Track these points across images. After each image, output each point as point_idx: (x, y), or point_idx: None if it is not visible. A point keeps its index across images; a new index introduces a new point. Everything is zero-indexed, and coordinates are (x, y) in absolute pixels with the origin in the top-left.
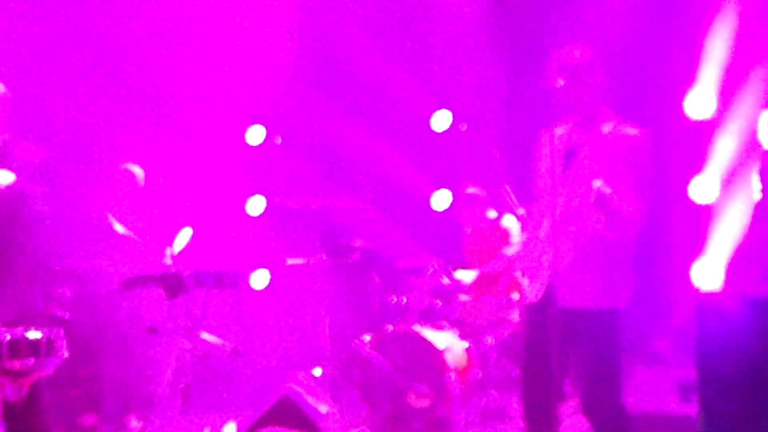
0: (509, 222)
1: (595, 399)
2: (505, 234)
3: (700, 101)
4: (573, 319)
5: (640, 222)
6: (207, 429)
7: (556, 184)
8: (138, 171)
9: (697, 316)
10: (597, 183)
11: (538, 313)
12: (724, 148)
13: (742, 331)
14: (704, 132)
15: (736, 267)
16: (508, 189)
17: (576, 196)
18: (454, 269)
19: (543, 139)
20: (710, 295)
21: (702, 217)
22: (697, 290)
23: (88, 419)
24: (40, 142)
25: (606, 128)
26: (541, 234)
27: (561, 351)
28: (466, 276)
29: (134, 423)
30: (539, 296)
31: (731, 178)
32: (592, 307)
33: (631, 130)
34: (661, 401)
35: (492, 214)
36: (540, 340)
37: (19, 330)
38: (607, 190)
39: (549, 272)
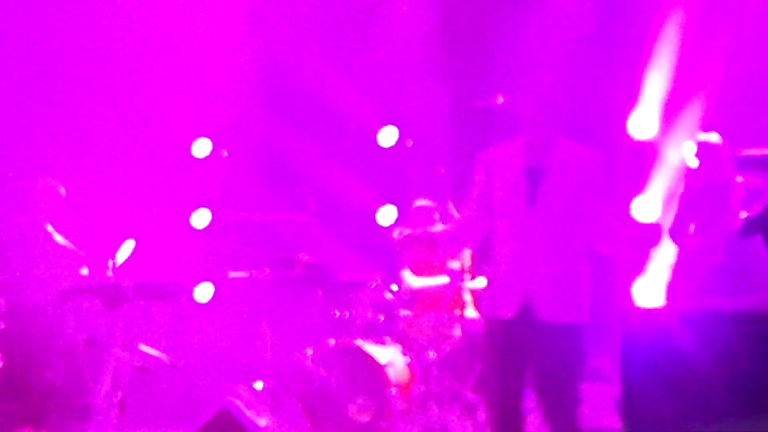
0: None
1: (561, 413)
2: (430, 241)
3: (643, 122)
4: (545, 332)
5: (603, 233)
6: None
7: (519, 206)
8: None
9: (623, 332)
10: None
11: (512, 329)
12: (666, 168)
13: (669, 346)
14: (647, 152)
15: (675, 284)
16: (451, 205)
17: (546, 219)
18: (400, 270)
19: (488, 157)
20: (640, 311)
21: (643, 237)
22: (638, 308)
23: (26, 431)
24: None
25: (562, 151)
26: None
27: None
28: (412, 280)
29: None
30: (512, 313)
31: (673, 198)
32: (567, 321)
33: (586, 150)
34: (600, 418)
35: (439, 227)
36: (516, 357)
37: None
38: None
39: (522, 288)
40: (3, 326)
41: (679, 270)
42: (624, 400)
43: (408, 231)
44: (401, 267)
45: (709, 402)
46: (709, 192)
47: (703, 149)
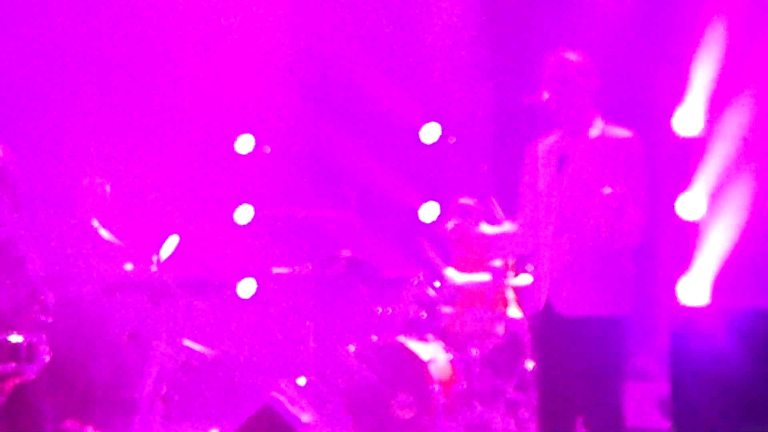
0: (488, 231)
1: (598, 411)
2: (483, 243)
3: (688, 118)
4: (575, 327)
5: (641, 227)
6: None
7: (549, 192)
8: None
9: (672, 331)
10: (607, 190)
11: (545, 323)
12: (712, 165)
13: (718, 346)
14: (692, 149)
15: (721, 282)
16: (495, 202)
17: (571, 204)
18: (444, 267)
19: (530, 151)
20: (692, 310)
21: (688, 234)
22: (682, 306)
23: (71, 424)
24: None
25: (594, 132)
26: (529, 241)
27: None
28: (455, 276)
29: None
30: (541, 305)
31: (718, 195)
32: (595, 314)
33: (622, 133)
34: (643, 417)
35: (484, 227)
36: (555, 353)
37: (0, 334)
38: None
39: (549, 280)
40: (51, 320)
41: (728, 267)
42: (674, 401)
43: (458, 221)
44: (445, 264)
45: (760, 403)
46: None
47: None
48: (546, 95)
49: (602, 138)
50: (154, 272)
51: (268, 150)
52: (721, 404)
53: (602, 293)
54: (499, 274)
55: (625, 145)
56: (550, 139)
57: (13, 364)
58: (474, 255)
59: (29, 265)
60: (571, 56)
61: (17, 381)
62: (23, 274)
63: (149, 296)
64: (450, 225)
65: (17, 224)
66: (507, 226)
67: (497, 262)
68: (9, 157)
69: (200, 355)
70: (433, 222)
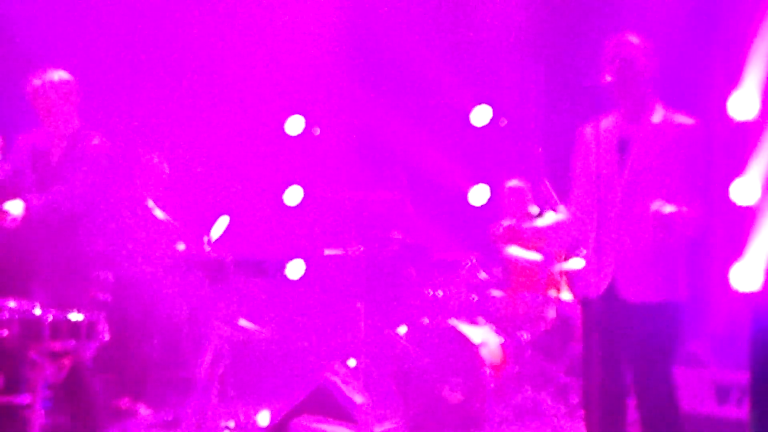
0: (541, 224)
1: (651, 395)
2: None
3: (744, 102)
4: (636, 312)
5: (699, 216)
6: (241, 416)
7: (610, 177)
8: (161, 160)
9: (753, 317)
10: (656, 204)
11: (600, 308)
12: (767, 150)
13: None
14: (747, 133)
15: None
16: (548, 184)
17: (634, 189)
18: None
19: (588, 133)
20: (761, 298)
21: (743, 220)
22: (735, 292)
23: (124, 402)
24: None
25: (656, 118)
26: (584, 224)
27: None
28: (517, 251)
29: (143, 410)
30: (601, 290)
31: None
32: (656, 300)
33: (684, 119)
34: (698, 402)
35: (534, 209)
36: (606, 338)
37: (60, 312)
38: (665, 209)
39: (609, 266)
40: (110, 299)
41: None
42: (753, 389)
43: (508, 222)
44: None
45: None
46: None
47: None
48: (608, 77)
49: (665, 124)
50: (212, 252)
51: (318, 131)
52: None
53: (663, 279)
54: (550, 258)
55: (688, 133)
56: (607, 122)
57: (73, 342)
58: (526, 244)
59: (90, 245)
60: (633, 39)
61: (77, 358)
62: (84, 253)
63: (208, 276)
64: (500, 229)
65: (81, 204)
66: (559, 215)
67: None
68: (108, 146)
69: (256, 335)
70: (484, 205)
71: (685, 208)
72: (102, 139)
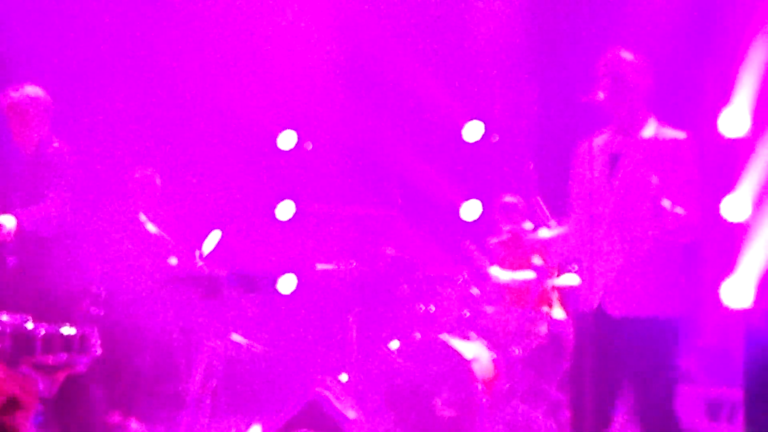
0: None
1: (650, 413)
2: (537, 248)
3: (734, 119)
4: (628, 328)
5: (692, 229)
6: (233, 431)
7: (602, 191)
8: (154, 174)
9: (746, 334)
10: (666, 203)
11: (593, 324)
12: (758, 167)
13: None
14: (738, 150)
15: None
16: (540, 201)
17: (625, 204)
18: (488, 265)
19: (582, 149)
20: (752, 314)
21: (734, 236)
22: (726, 308)
23: (115, 417)
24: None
25: (648, 132)
26: (580, 240)
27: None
28: (500, 273)
29: (134, 425)
30: (594, 305)
31: (764, 197)
32: (649, 315)
33: (675, 133)
34: (689, 419)
35: (528, 225)
36: (598, 354)
37: (53, 326)
38: (664, 203)
39: (602, 280)
40: (102, 313)
41: None
42: (748, 407)
43: (506, 232)
44: (489, 262)
45: None
46: None
47: None
48: (601, 94)
49: (656, 138)
50: (204, 267)
51: (310, 146)
52: None
53: (656, 294)
54: (543, 274)
55: (679, 147)
56: (602, 138)
57: (65, 356)
58: (522, 257)
59: (84, 259)
60: (626, 55)
61: (69, 372)
62: (78, 267)
63: (201, 291)
64: (506, 230)
65: (74, 217)
66: (559, 229)
67: (540, 261)
68: (66, 149)
69: (248, 349)
70: (476, 220)
71: (680, 209)
72: (61, 144)
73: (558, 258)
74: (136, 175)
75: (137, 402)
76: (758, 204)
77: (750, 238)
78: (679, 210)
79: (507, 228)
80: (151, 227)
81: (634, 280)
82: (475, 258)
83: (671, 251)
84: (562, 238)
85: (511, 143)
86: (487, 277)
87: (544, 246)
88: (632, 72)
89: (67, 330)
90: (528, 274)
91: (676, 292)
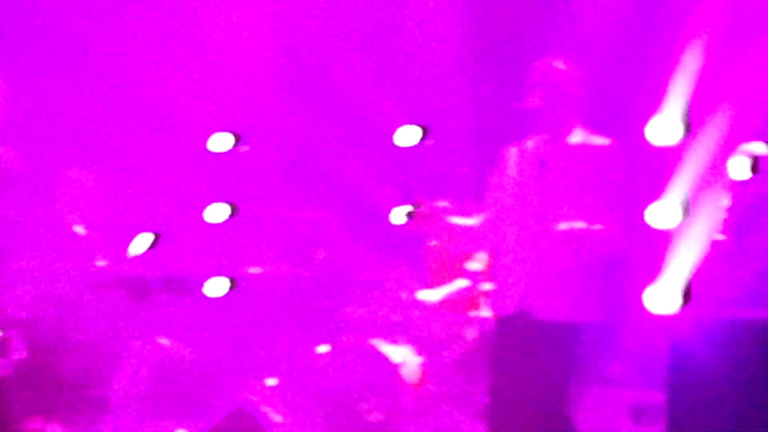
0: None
1: (556, 414)
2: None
3: (663, 128)
4: (545, 330)
5: (614, 236)
6: None
7: (527, 196)
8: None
9: (669, 341)
10: (563, 225)
11: (512, 326)
12: (687, 176)
13: (712, 357)
14: (666, 158)
15: (695, 291)
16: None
17: (550, 210)
18: (419, 290)
19: (511, 153)
20: (669, 319)
21: (659, 243)
22: (650, 314)
23: (35, 422)
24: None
25: (575, 139)
26: (506, 247)
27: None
28: (430, 296)
29: (57, 431)
30: (513, 309)
31: (692, 205)
32: (566, 320)
33: (601, 140)
34: (613, 424)
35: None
36: (515, 357)
37: None
38: (575, 226)
39: (523, 285)
40: (25, 316)
41: (708, 277)
42: (670, 413)
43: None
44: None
45: (747, 412)
46: (753, 202)
47: (754, 160)
48: (534, 101)
49: (583, 145)
50: (133, 270)
51: (244, 148)
52: (714, 414)
53: (574, 298)
54: (473, 278)
55: (604, 153)
56: (530, 143)
57: None
58: (452, 260)
59: (6, 260)
60: (559, 64)
61: None
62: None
63: (127, 293)
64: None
65: None
66: (470, 219)
67: (473, 265)
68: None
69: (175, 353)
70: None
71: (598, 226)
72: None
73: (466, 246)
74: (66, 175)
75: (60, 407)
76: (684, 212)
77: (675, 246)
78: (596, 227)
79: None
80: (79, 228)
81: (556, 284)
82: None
83: (594, 258)
84: (473, 229)
85: (447, 148)
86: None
87: (457, 232)
88: (564, 81)
89: None
90: (460, 283)
91: (595, 298)
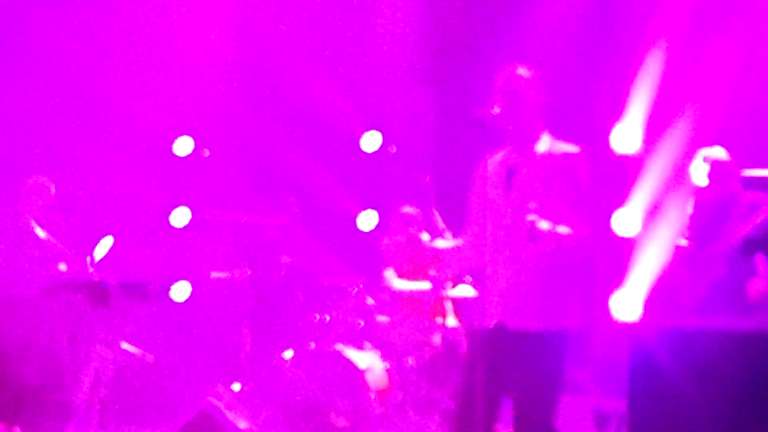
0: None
1: (532, 426)
2: (434, 256)
3: (626, 136)
4: (523, 341)
5: (583, 242)
6: None
7: (498, 207)
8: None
9: (630, 347)
10: (531, 217)
11: (489, 337)
12: (649, 183)
13: (671, 365)
14: (629, 166)
15: (655, 299)
16: (436, 213)
17: (520, 219)
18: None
19: (479, 166)
20: (631, 326)
21: (624, 250)
22: (616, 321)
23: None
24: None
25: (541, 147)
26: (477, 255)
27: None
28: (394, 281)
29: None
30: (491, 322)
31: (654, 213)
32: (543, 329)
33: (569, 147)
34: (578, 430)
35: (425, 236)
36: (487, 366)
37: None
38: (541, 225)
39: (499, 296)
40: None
41: (669, 284)
42: (631, 419)
43: (398, 238)
44: (384, 267)
45: (708, 420)
46: (714, 208)
47: (714, 166)
48: (497, 109)
49: (549, 153)
50: (95, 274)
51: (207, 153)
52: (674, 422)
53: (549, 308)
54: (437, 284)
55: (572, 160)
56: (499, 155)
57: None
58: (418, 265)
59: None
60: (522, 71)
61: None
62: None
63: (89, 298)
64: (385, 241)
65: None
66: (455, 241)
67: (435, 272)
68: None
69: (138, 358)
70: (372, 230)
71: (565, 228)
72: None
73: (453, 269)
74: (28, 181)
75: (22, 412)
76: (647, 219)
77: (639, 253)
78: (561, 229)
79: (399, 238)
80: (41, 232)
81: (530, 294)
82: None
83: (568, 265)
84: (458, 250)
85: (409, 154)
86: (380, 279)
87: (440, 255)
88: (527, 88)
89: None
90: (423, 285)
91: (570, 307)
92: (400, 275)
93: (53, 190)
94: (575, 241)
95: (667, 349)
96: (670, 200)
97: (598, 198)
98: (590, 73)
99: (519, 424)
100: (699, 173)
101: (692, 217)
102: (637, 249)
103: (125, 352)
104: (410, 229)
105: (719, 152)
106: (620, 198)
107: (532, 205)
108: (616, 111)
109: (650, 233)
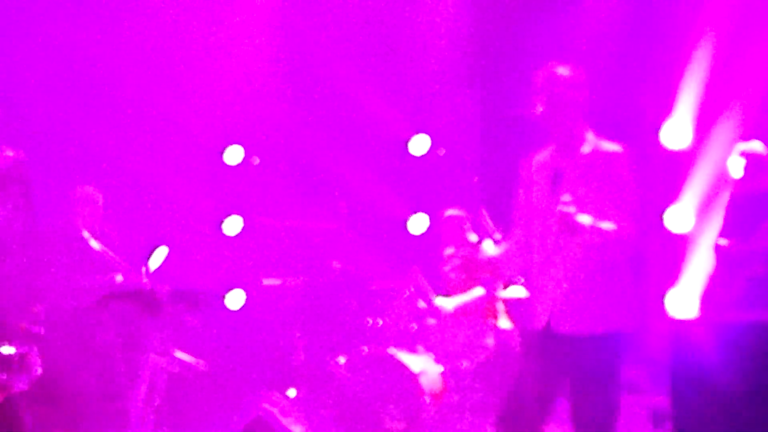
0: (489, 247)
1: (593, 426)
2: (489, 265)
3: (676, 131)
4: (576, 345)
5: (630, 241)
6: None
7: (545, 209)
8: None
9: (671, 345)
10: (566, 208)
11: (541, 340)
12: (700, 179)
13: (715, 360)
14: (680, 162)
15: (709, 295)
16: (485, 214)
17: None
18: (434, 296)
19: (524, 167)
20: (684, 323)
21: (677, 246)
22: (671, 318)
23: None
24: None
25: (586, 148)
26: (526, 258)
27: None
28: (446, 303)
29: None
30: (543, 324)
31: (706, 208)
32: (597, 332)
33: (612, 147)
34: (635, 429)
35: (473, 237)
36: (541, 370)
37: None
38: (580, 218)
39: (550, 299)
40: (42, 331)
41: (717, 281)
42: (674, 415)
43: (458, 257)
44: (435, 292)
45: (754, 415)
46: (753, 202)
47: (750, 159)
48: (539, 108)
49: (594, 153)
50: (147, 283)
51: (257, 161)
52: (719, 417)
53: (603, 311)
54: (490, 287)
55: (615, 160)
56: (544, 155)
57: (5, 375)
58: (473, 277)
59: (22, 276)
60: (563, 70)
61: (8, 392)
62: (16, 284)
63: (142, 307)
64: (449, 251)
65: (12, 234)
66: (504, 245)
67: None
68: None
69: (192, 366)
70: (423, 234)
71: (610, 224)
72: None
73: (506, 273)
74: (75, 192)
75: (80, 421)
76: (700, 215)
77: (693, 249)
78: (605, 225)
79: (454, 251)
80: (95, 244)
81: (581, 298)
82: (422, 287)
83: (618, 266)
84: (508, 254)
85: (457, 156)
86: (435, 309)
87: (494, 263)
88: (568, 87)
89: (6, 349)
90: (477, 292)
91: (623, 308)
92: (456, 290)
93: (101, 201)
94: (621, 237)
95: (708, 343)
96: (720, 195)
97: (649, 195)
98: (639, 69)
99: (579, 428)
100: (736, 167)
101: (727, 210)
102: (691, 245)
103: (180, 360)
104: (453, 249)
105: (756, 146)
106: (672, 195)
107: (567, 197)
108: (666, 107)
109: (703, 229)
